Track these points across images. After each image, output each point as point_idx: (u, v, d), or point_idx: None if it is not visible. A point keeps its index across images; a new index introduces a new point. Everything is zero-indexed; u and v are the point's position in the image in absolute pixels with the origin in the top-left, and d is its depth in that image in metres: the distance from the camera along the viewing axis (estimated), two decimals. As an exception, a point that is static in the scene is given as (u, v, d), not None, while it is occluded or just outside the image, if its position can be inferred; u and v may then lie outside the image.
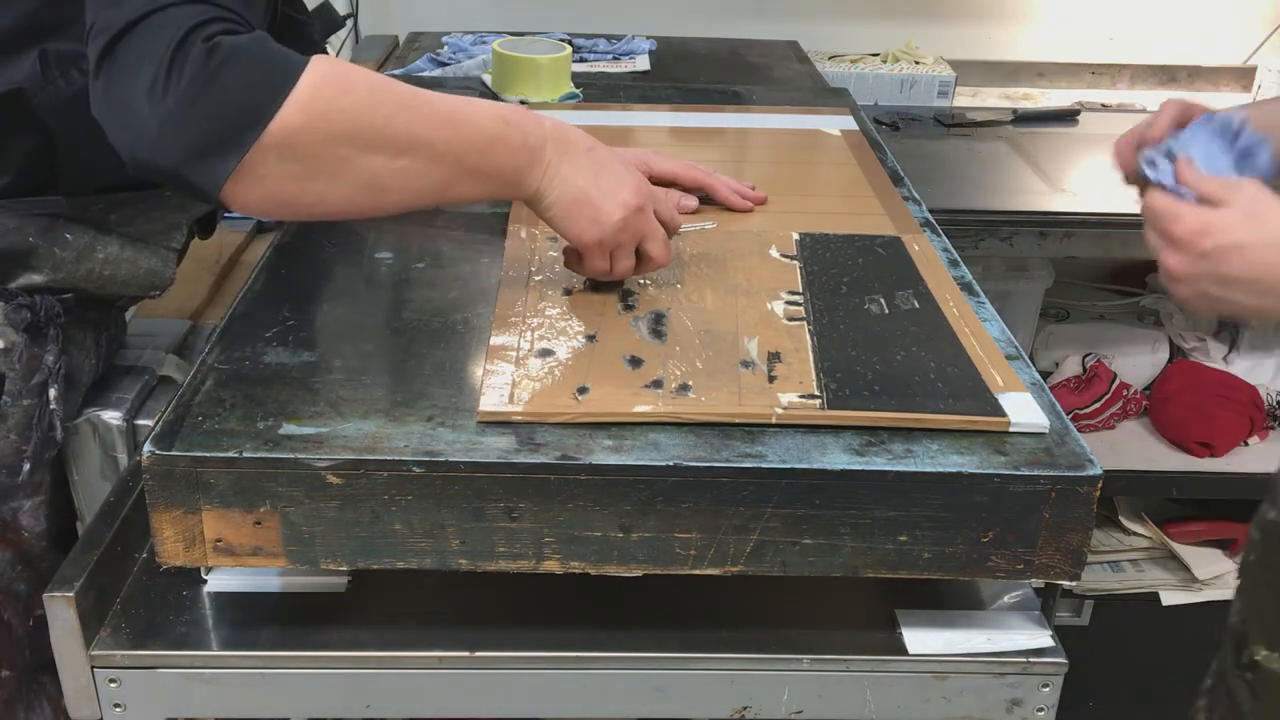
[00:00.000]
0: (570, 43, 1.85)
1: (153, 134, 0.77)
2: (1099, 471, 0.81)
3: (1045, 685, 0.88)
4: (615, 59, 2.09)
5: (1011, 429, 0.84)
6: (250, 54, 0.77)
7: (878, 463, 0.81)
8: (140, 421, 1.12)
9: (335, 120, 0.80)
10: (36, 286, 1.03)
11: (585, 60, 2.07)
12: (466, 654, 0.87)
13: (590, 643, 0.88)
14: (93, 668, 0.85)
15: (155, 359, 1.21)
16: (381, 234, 1.13)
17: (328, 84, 0.79)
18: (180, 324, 1.33)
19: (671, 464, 0.80)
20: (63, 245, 1.02)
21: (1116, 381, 2.03)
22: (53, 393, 1.04)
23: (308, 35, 1.27)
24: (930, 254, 1.11)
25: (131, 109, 0.77)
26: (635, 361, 0.90)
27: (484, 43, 2.01)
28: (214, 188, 0.79)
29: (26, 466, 1.04)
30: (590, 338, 0.93)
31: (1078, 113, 2.18)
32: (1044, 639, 0.89)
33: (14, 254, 1.01)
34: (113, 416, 1.11)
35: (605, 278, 0.99)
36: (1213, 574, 1.97)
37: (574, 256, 1.00)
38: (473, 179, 0.89)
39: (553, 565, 0.83)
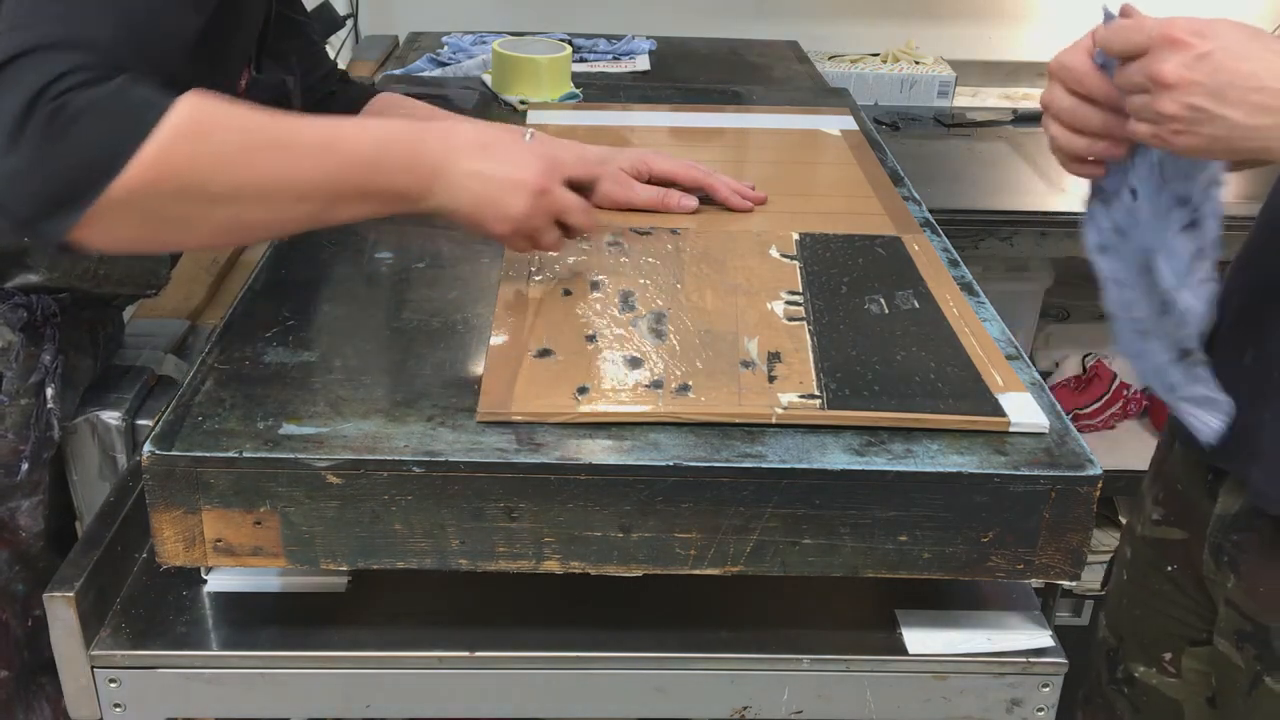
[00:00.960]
0: (570, 43, 1.84)
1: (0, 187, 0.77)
2: (1099, 471, 0.81)
3: (1045, 685, 0.88)
4: (615, 59, 2.09)
5: (1011, 429, 0.84)
6: (102, 109, 0.76)
7: (878, 463, 0.81)
8: (139, 421, 1.12)
9: (187, 176, 0.79)
10: (33, 286, 1.03)
11: (585, 60, 2.07)
12: (466, 654, 0.87)
13: (590, 643, 0.88)
14: (93, 668, 0.85)
15: (154, 359, 1.21)
16: (381, 234, 1.13)
17: (182, 139, 0.78)
18: (179, 324, 1.33)
19: (671, 464, 0.80)
20: None
21: (1116, 381, 2.03)
22: (50, 392, 1.04)
23: (307, 35, 1.27)
24: (930, 254, 1.11)
25: None
26: (635, 362, 0.90)
27: (484, 43, 2.01)
28: (57, 240, 0.78)
29: (25, 466, 1.04)
30: (590, 338, 0.93)
31: (1078, 113, 2.18)
32: (1044, 639, 0.89)
33: (10, 253, 1.01)
34: (111, 416, 1.11)
35: (534, 251, 1.00)
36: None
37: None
38: (352, 204, 0.88)
39: (553, 565, 0.83)
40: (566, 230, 0.99)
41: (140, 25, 0.82)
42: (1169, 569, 1.14)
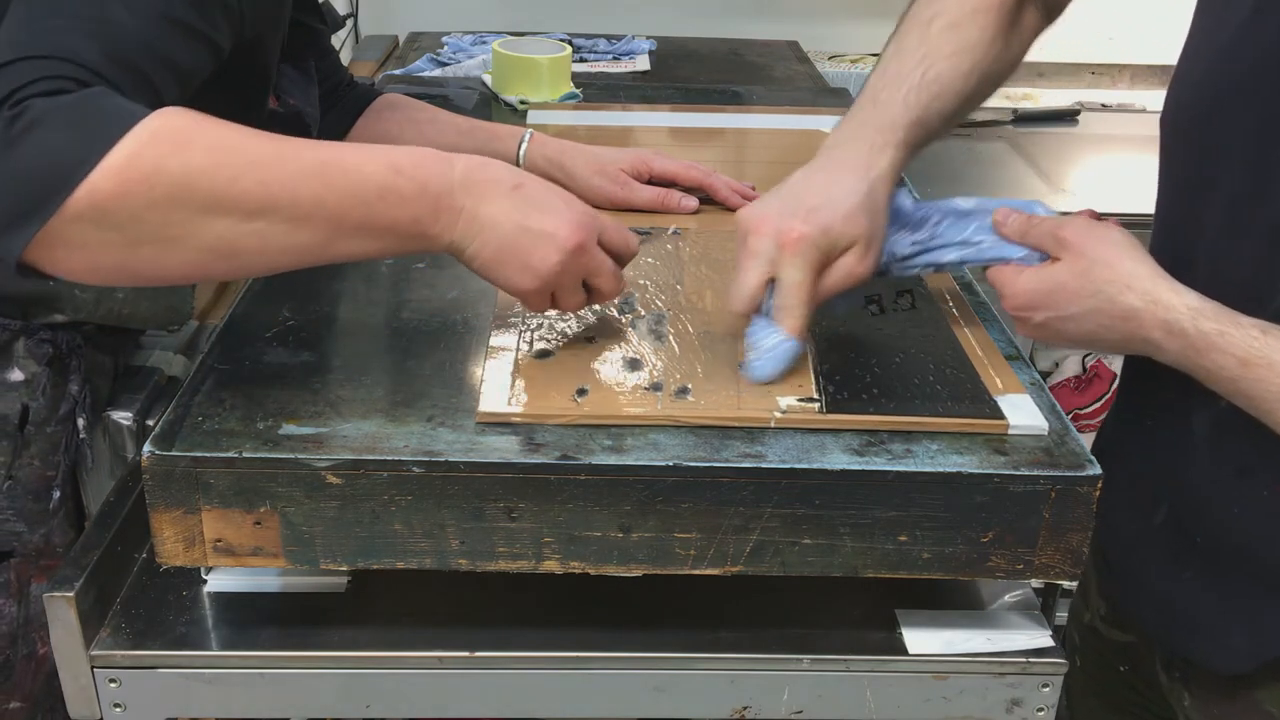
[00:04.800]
0: (570, 43, 1.84)
1: None
2: (1099, 471, 0.81)
3: (1045, 685, 0.88)
4: (615, 59, 2.09)
5: (1010, 431, 0.84)
6: (66, 116, 0.71)
7: (877, 463, 0.81)
8: (149, 422, 1.13)
9: (160, 184, 0.72)
10: (59, 324, 1.04)
11: (585, 60, 2.07)
12: (466, 654, 0.87)
13: (590, 643, 0.88)
14: (93, 668, 0.85)
15: (164, 360, 1.21)
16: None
17: (155, 144, 0.72)
18: (189, 325, 1.33)
19: (671, 464, 0.80)
20: (82, 288, 1.03)
21: (1116, 381, 2.03)
22: (81, 422, 1.05)
23: (325, 44, 1.27)
24: (930, 254, 1.11)
25: None
26: (634, 364, 0.90)
27: (484, 43, 2.01)
28: (11, 256, 0.72)
29: (57, 494, 1.04)
30: (589, 339, 0.93)
31: (1078, 113, 2.18)
32: (1044, 639, 0.89)
33: (37, 297, 1.01)
34: (122, 417, 1.12)
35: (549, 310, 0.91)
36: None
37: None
38: (360, 235, 0.79)
39: (553, 565, 0.83)
40: (590, 294, 0.91)
41: (131, 45, 0.78)
42: (1121, 669, 1.09)
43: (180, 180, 0.72)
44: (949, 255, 0.94)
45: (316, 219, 0.77)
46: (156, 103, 0.76)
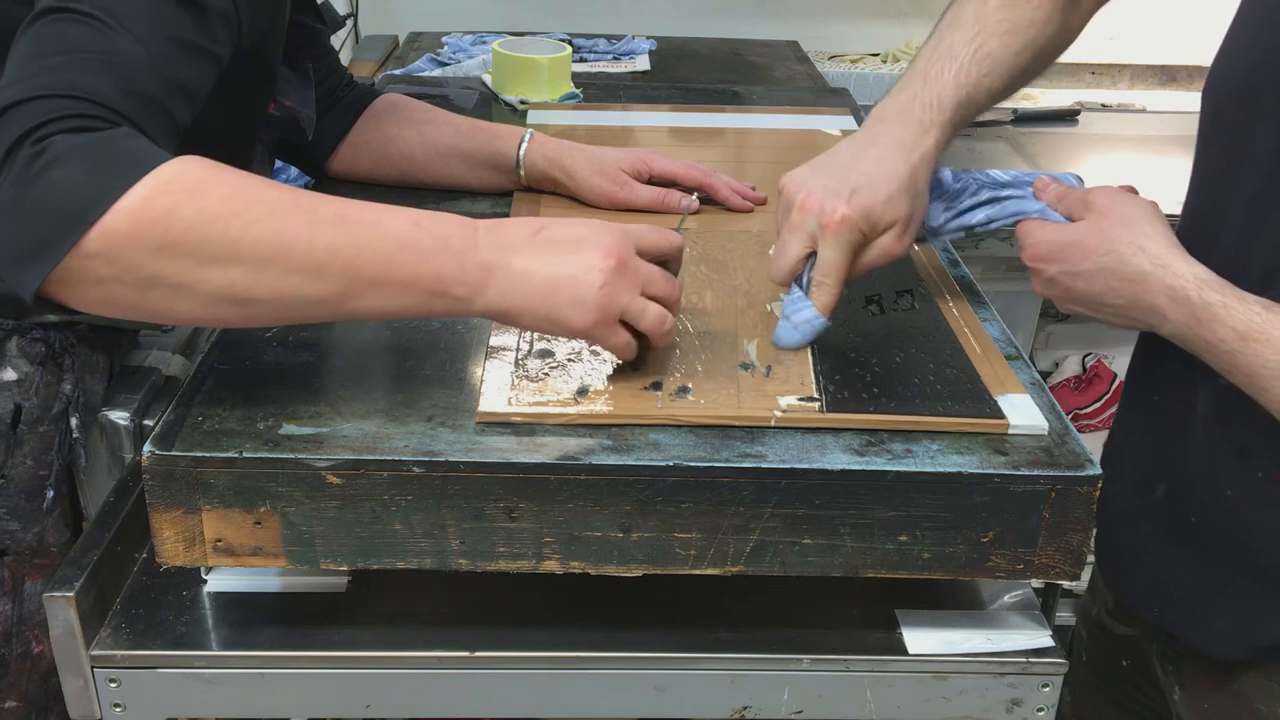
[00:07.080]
0: (570, 43, 1.84)
1: None
2: (1099, 471, 0.81)
3: (1045, 685, 0.88)
4: (615, 59, 2.09)
5: (1010, 431, 0.84)
6: (86, 155, 0.71)
7: (878, 463, 0.81)
8: (148, 422, 1.12)
9: (171, 229, 0.72)
10: (51, 324, 1.04)
11: (585, 60, 2.07)
12: (466, 654, 0.87)
13: (590, 643, 0.88)
14: (93, 668, 0.85)
15: (162, 359, 1.21)
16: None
17: (172, 190, 0.72)
18: (187, 324, 1.33)
19: (671, 464, 0.80)
20: None
21: (1117, 381, 2.03)
22: (74, 421, 1.05)
23: (324, 44, 1.27)
24: (930, 254, 1.11)
25: None
26: (635, 363, 0.90)
27: (484, 43, 2.01)
28: (27, 291, 0.73)
29: (50, 494, 1.04)
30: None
31: (1078, 113, 2.18)
32: (1044, 639, 0.89)
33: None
34: (120, 417, 1.12)
35: (633, 349, 0.86)
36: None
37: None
38: (379, 291, 0.77)
39: (553, 565, 0.83)
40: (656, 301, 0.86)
41: (145, 77, 0.79)
42: (1124, 663, 1.10)
43: (194, 226, 0.73)
44: (977, 216, 0.98)
45: (332, 270, 0.76)
46: (172, 128, 0.78)
